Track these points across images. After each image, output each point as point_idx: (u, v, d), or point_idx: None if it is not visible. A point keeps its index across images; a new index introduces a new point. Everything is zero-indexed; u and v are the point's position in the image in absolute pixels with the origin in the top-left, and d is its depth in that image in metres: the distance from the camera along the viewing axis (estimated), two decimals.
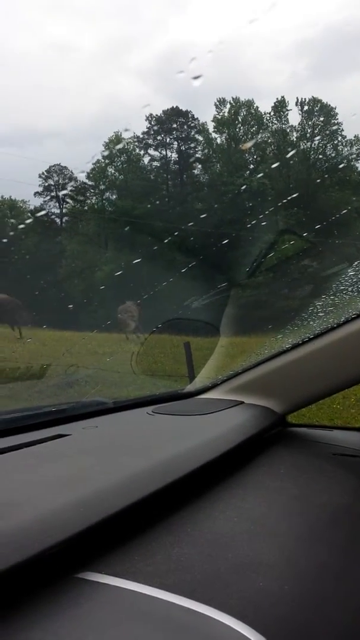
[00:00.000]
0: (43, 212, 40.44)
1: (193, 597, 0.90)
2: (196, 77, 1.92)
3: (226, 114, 42.83)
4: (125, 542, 1.06)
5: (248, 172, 37.58)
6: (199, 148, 43.55)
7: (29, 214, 46.39)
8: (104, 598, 0.89)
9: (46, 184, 45.22)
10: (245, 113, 42.67)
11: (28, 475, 1.28)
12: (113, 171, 43.11)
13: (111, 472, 1.29)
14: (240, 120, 42.75)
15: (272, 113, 41.91)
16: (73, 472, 1.29)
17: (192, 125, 43.29)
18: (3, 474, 1.31)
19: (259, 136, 41.92)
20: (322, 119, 39.96)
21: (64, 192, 43.64)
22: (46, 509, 1.03)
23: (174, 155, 43.51)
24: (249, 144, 39.18)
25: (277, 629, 0.89)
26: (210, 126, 43.13)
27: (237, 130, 42.93)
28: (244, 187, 32.54)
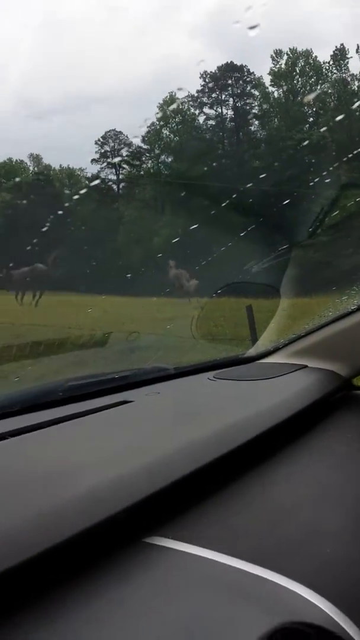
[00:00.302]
0: (97, 181, 40.58)
1: (261, 564, 0.90)
2: (252, 27, 1.82)
3: (283, 66, 40.84)
4: (191, 509, 1.07)
5: (307, 125, 35.98)
6: (256, 103, 41.93)
7: (86, 182, 46.93)
8: (172, 563, 0.91)
9: (102, 151, 45.29)
10: (303, 64, 40.57)
11: (94, 442, 1.31)
12: (168, 133, 42.51)
13: (175, 438, 1.30)
14: (297, 71, 40.73)
15: (331, 62, 39.61)
16: (138, 438, 1.31)
17: (247, 80, 41.62)
18: (70, 440, 1.35)
19: (319, 87, 39.90)
20: None
21: (119, 158, 43.60)
22: (113, 475, 1.06)
23: (230, 113, 42.17)
24: (311, 96, 37.40)
25: (346, 597, 0.88)
26: (267, 80, 41.40)
27: (295, 82, 40.96)
28: (304, 141, 31.25)
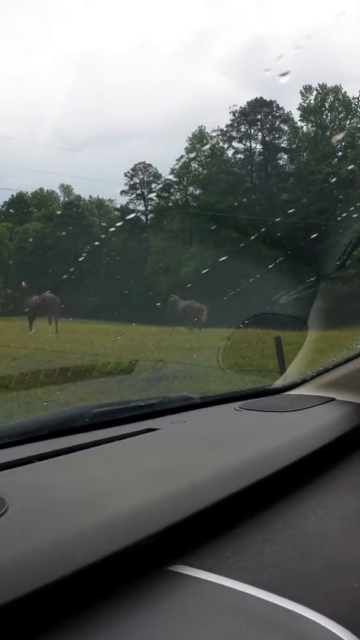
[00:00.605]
0: (132, 215, 41.45)
1: (285, 595, 0.88)
2: (284, 74, 1.88)
3: (312, 102, 41.50)
4: (216, 537, 1.06)
5: (336, 159, 36.21)
6: (284, 138, 42.57)
7: (116, 212, 47.87)
8: (195, 591, 0.90)
9: (131, 182, 46.37)
10: (332, 99, 41.13)
11: (120, 468, 1.32)
12: (197, 166, 43.30)
13: (201, 467, 1.30)
14: (327, 107, 41.27)
15: None
16: (163, 465, 1.31)
17: (276, 114, 42.34)
18: (97, 465, 1.36)
19: (348, 122, 40.27)
20: None
21: (149, 190, 44.47)
22: (139, 501, 1.06)
23: (259, 147, 42.80)
24: (340, 135, 37.76)
25: None
26: (296, 115, 42.04)
27: (325, 117, 41.49)
28: (333, 175, 31.41)
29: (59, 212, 43.97)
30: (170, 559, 0.97)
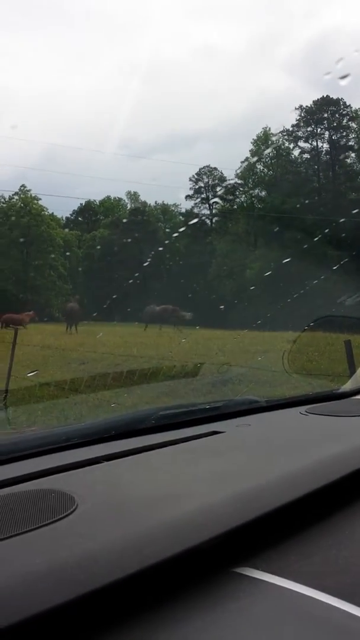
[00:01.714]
0: (195, 220, 41.74)
1: (352, 601, 0.87)
2: (344, 77, 1.85)
3: None
4: (282, 541, 1.05)
5: None
6: (352, 136, 41.42)
7: (181, 217, 48.35)
8: (262, 595, 0.90)
9: (196, 187, 46.65)
10: None
11: (186, 470, 1.33)
12: (262, 167, 42.94)
13: (267, 470, 1.29)
14: None
15: None
16: (229, 468, 1.31)
17: (344, 112, 41.27)
18: (163, 466, 1.38)
19: None
20: None
21: (214, 193, 44.57)
22: (205, 503, 1.07)
23: (325, 146, 41.88)
24: None
25: None
26: None
27: None
28: None
29: (125, 219, 45.01)
30: (236, 561, 0.97)
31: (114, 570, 0.83)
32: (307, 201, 34.21)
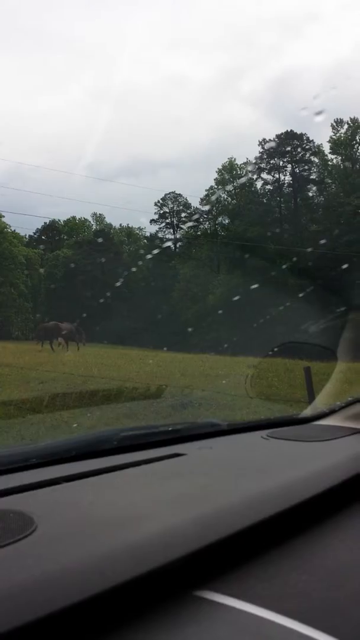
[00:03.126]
0: (161, 243, 42.18)
1: (311, 624, 0.87)
2: (319, 113, 1.93)
3: (343, 135, 41.87)
4: (243, 564, 1.05)
5: None
6: (314, 170, 42.89)
7: (145, 241, 48.65)
8: (222, 618, 0.89)
9: (161, 211, 47.16)
10: None
11: (148, 491, 1.32)
12: (226, 196, 43.84)
13: (228, 493, 1.29)
14: (358, 140, 41.55)
15: None
16: (191, 490, 1.31)
17: (306, 147, 42.79)
18: (124, 488, 1.37)
19: None
20: None
21: (178, 219, 45.22)
22: (166, 525, 1.06)
23: (288, 178, 43.22)
24: None
25: None
26: (326, 147, 42.43)
27: (355, 150, 41.74)
28: None
29: (89, 240, 44.94)
30: (197, 584, 0.97)
31: (74, 593, 0.81)
32: (269, 231, 35.06)
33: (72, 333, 16.85)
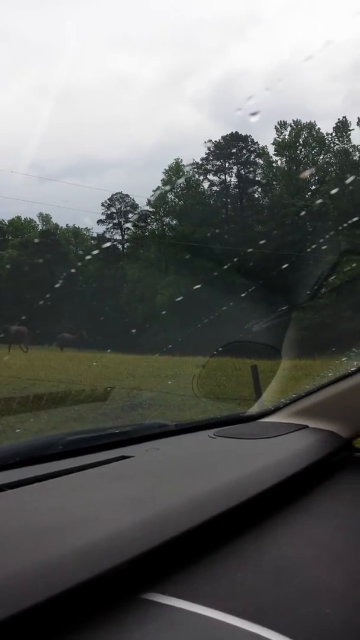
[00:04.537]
0: (108, 244, 41.90)
1: (259, 622, 0.88)
2: (254, 114, 1.97)
3: (287, 137, 42.86)
4: (189, 564, 1.06)
5: (309, 193, 37.24)
6: (259, 171, 43.70)
7: (92, 241, 48.16)
8: (169, 620, 0.89)
9: (108, 212, 46.79)
10: (306, 135, 42.55)
11: (95, 495, 1.31)
12: (173, 197, 44.02)
13: (175, 494, 1.30)
14: (301, 142, 42.65)
15: (334, 134, 41.58)
16: (137, 492, 1.30)
17: (251, 149, 43.54)
18: (69, 493, 1.35)
19: (320, 157, 41.63)
20: None
21: (126, 219, 45.06)
22: (112, 529, 1.05)
23: (233, 180, 43.84)
24: (307, 173, 39.08)
25: None
26: (271, 149, 43.32)
27: (299, 152, 42.83)
28: (305, 209, 32.27)
29: (35, 240, 43.98)
30: (144, 586, 0.97)
31: (20, 600, 0.80)
32: (216, 231, 35.49)
33: (19, 334, 16.61)
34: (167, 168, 44.50)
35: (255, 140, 43.11)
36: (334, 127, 41.37)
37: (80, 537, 1.01)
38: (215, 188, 44.27)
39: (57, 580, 0.86)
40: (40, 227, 50.61)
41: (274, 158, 43.55)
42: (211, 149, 42.63)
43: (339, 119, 40.88)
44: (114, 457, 1.63)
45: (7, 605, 0.78)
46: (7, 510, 1.20)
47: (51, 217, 50.16)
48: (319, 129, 42.14)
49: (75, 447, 1.72)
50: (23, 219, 50.27)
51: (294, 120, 42.37)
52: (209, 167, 43.32)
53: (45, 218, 50.41)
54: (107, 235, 46.67)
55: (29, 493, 1.32)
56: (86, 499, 1.28)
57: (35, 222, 51.02)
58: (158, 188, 45.14)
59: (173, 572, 1.02)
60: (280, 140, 42.87)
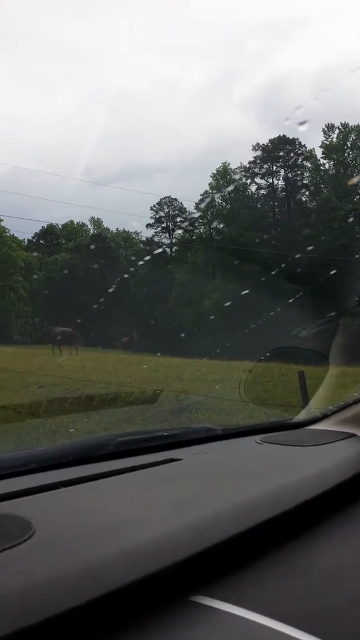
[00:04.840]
0: (160, 250, 42.14)
1: (303, 629, 0.89)
2: (302, 123, 1.98)
3: (335, 140, 42.04)
4: (236, 569, 1.07)
5: (358, 197, 36.31)
6: (307, 174, 43.02)
7: (141, 245, 48.63)
8: (216, 623, 0.91)
9: (157, 216, 47.16)
10: (354, 138, 41.60)
11: (143, 497, 1.34)
12: (220, 201, 43.89)
13: (222, 498, 1.31)
14: (349, 145, 41.73)
15: None
16: (185, 496, 1.33)
17: (299, 152, 42.92)
18: (120, 493, 1.38)
19: None
20: None
21: (174, 223, 45.24)
22: (161, 531, 1.07)
23: (281, 183, 43.34)
24: (356, 179, 38.09)
25: None
26: (318, 152, 42.60)
27: (347, 155, 41.92)
28: (354, 212, 31.46)
29: (87, 244, 44.84)
30: (192, 589, 0.98)
31: (71, 598, 0.83)
32: (264, 235, 35.12)
33: (71, 337, 16.96)
34: (214, 172, 44.45)
35: (302, 143, 42.46)
36: None
37: (131, 537, 1.04)
38: (262, 191, 43.86)
39: (106, 579, 0.89)
40: (91, 231, 51.56)
41: (322, 161, 42.76)
42: (258, 152, 42.25)
43: None
44: (162, 460, 1.66)
45: (58, 602, 0.82)
46: (61, 508, 1.25)
47: (102, 221, 51.02)
48: None
49: (125, 448, 1.76)
50: (76, 223, 51.39)
51: (341, 123, 41.49)
52: (256, 170, 42.96)
53: (97, 222, 51.30)
54: (156, 239, 47.03)
55: (82, 492, 1.36)
56: (135, 500, 1.31)
57: (87, 226, 52.06)
58: (205, 192, 45.12)
59: (221, 576, 1.04)
60: (327, 143, 42.06)
